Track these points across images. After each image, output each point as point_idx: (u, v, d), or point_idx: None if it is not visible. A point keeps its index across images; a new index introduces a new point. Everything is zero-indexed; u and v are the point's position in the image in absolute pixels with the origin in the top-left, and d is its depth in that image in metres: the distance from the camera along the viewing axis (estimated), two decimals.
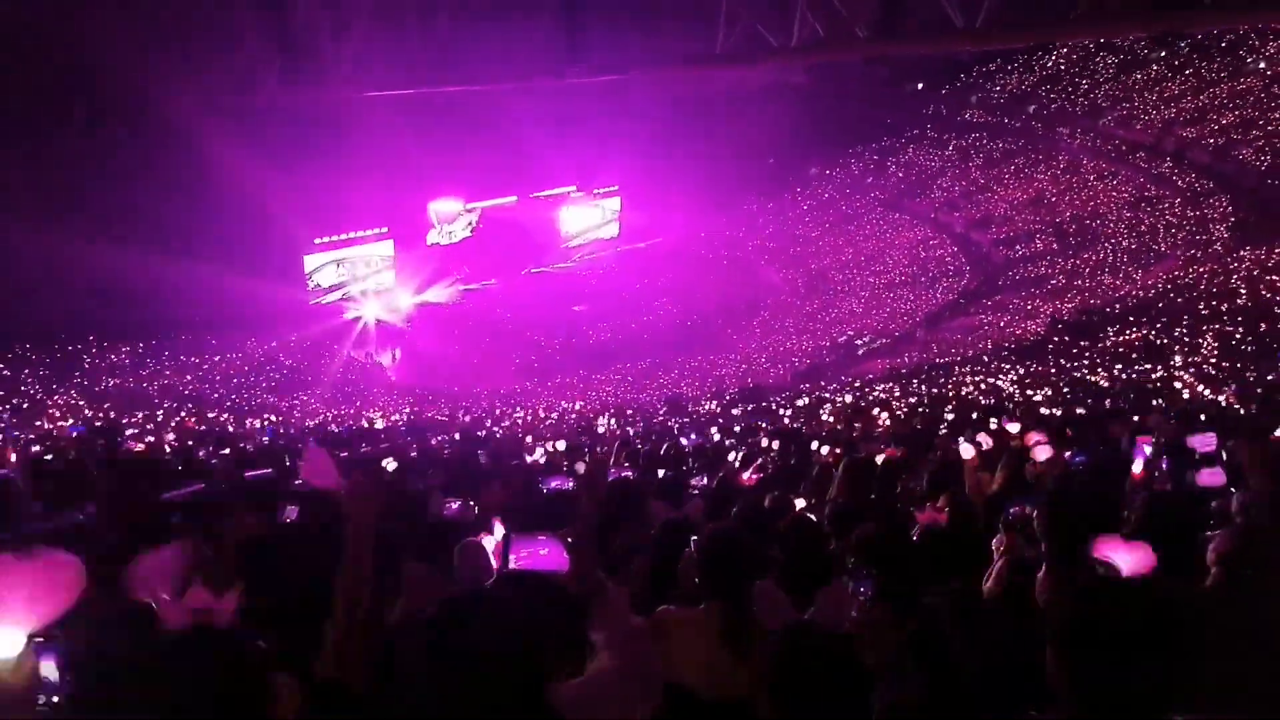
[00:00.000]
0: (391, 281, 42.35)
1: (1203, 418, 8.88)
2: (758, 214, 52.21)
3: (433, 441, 12.24)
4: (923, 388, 22.03)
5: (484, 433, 15.35)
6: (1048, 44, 45.51)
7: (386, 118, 32.38)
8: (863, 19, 18.59)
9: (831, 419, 14.73)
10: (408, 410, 27.43)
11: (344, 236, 40.08)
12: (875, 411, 14.55)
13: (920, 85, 51.64)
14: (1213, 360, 19.68)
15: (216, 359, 32.57)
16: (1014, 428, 6.38)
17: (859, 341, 35.51)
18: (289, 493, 4.98)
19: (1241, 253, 28.68)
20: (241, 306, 32.40)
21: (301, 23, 24.97)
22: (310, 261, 39.03)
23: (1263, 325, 21.47)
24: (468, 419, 22.41)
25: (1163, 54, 41.21)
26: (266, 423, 19.59)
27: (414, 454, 9.50)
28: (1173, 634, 1.65)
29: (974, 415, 11.44)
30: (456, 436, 13.42)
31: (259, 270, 32.59)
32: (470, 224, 45.87)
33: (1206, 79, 38.61)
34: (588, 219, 50.83)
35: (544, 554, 2.24)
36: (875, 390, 22.10)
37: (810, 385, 26.95)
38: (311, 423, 21.85)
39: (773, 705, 2.09)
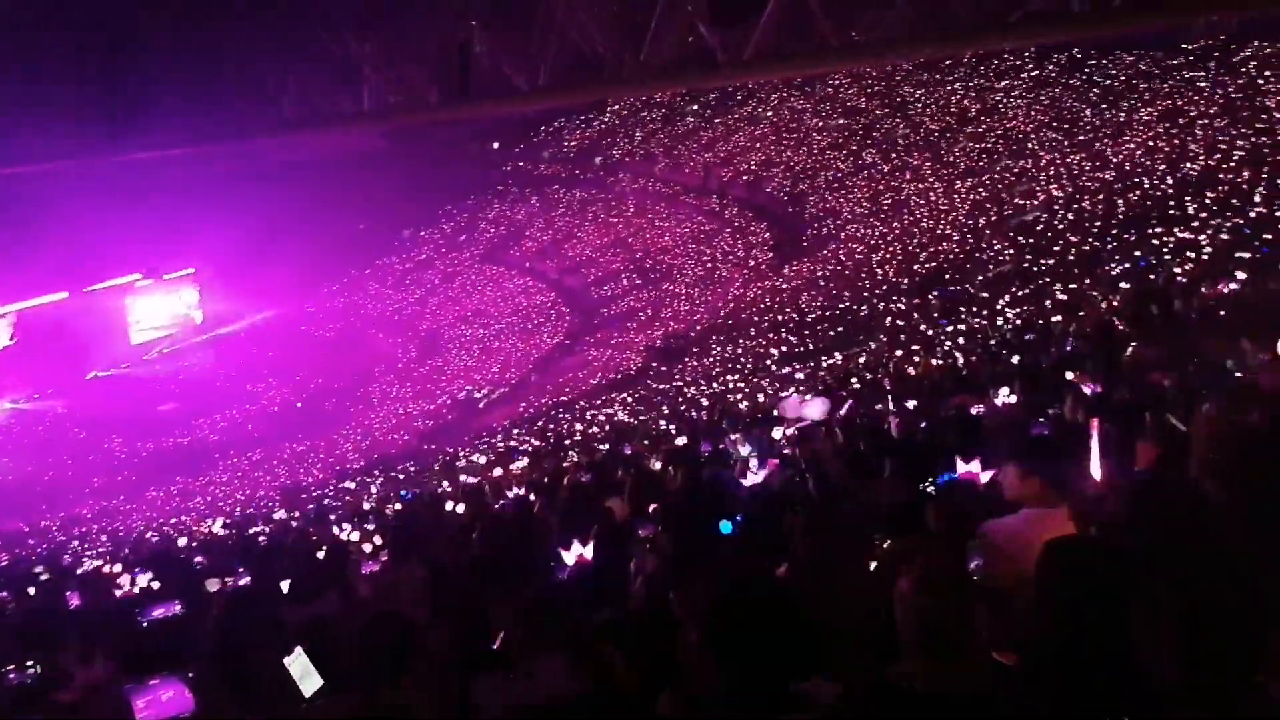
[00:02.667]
0: None
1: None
2: (356, 283, 50.76)
3: None
4: (550, 428, 22.93)
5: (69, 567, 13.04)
6: (602, 101, 50.24)
7: None
8: (431, 84, 19.01)
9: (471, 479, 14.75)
10: None
11: None
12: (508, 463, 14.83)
13: (496, 144, 53.95)
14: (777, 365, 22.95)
15: None
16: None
17: (478, 395, 35.93)
18: None
19: (785, 270, 33.89)
20: None
21: None
22: None
23: (817, 328, 25.64)
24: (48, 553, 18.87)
25: (694, 106, 47.49)
26: None
27: None
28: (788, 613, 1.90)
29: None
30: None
31: None
32: (5, 331, 38.83)
33: (731, 127, 45.16)
34: (162, 308, 45.57)
35: (167, 699, 1.97)
36: (501, 442, 22.53)
37: (437, 448, 26.71)
38: None
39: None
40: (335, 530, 10.62)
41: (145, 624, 4.40)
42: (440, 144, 51.87)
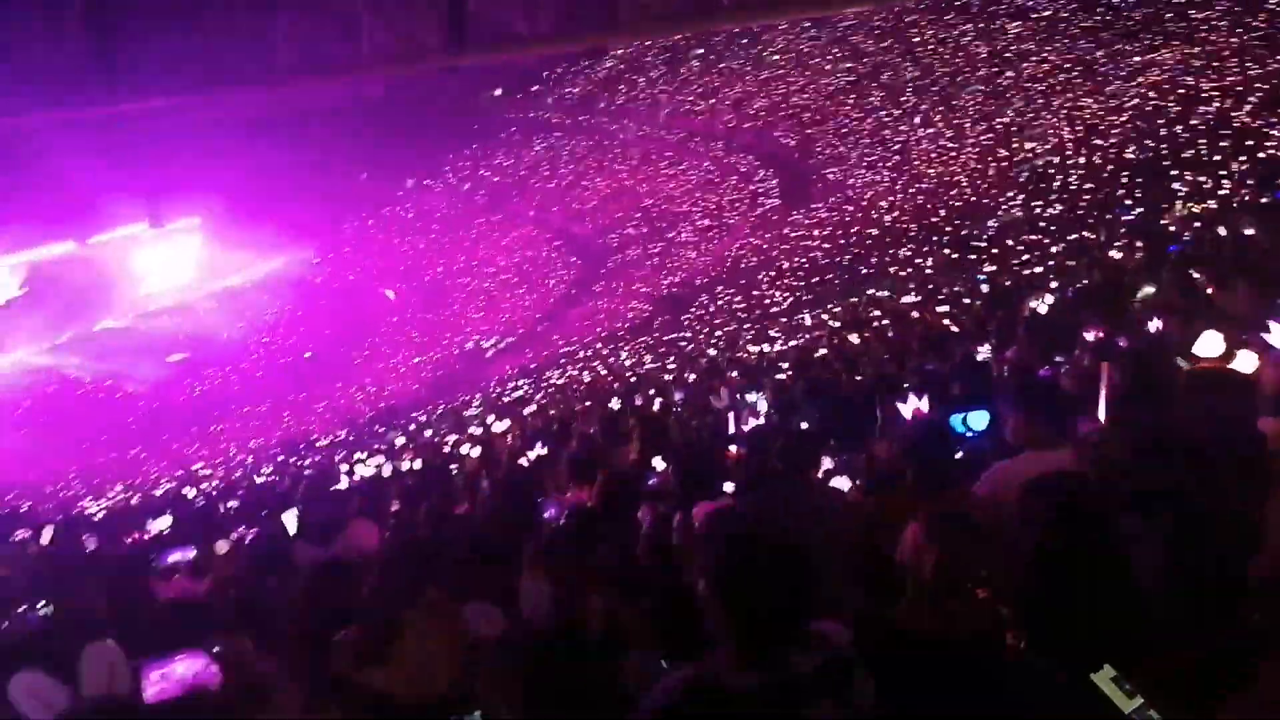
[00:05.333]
0: None
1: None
2: (360, 232, 50.58)
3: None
4: (555, 378, 23.01)
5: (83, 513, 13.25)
6: (605, 46, 49.40)
7: None
8: (431, 31, 18.73)
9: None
10: None
11: None
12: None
13: (499, 91, 53.23)
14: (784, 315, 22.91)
15: None
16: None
17: (485, 345, 35.99)
18: None
19: (790, 217, 33.61)
20: None
21: None
22: None
23: (820, 277, 25.51)
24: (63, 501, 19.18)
25: (701, 50, 46.68)
26: None
27: None
28: (800, 557, 1.94)
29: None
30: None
31: None
32: (14, 282, 38.84)
33: (738, 71, 44.41)
34: (167, 259, 45.48)
35: (183, 672, 1.94)
36: (509, 393, 22.64)
37: (449, 398, 26.85)
38: None
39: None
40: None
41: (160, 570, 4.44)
42: (442, 92, 51.20)
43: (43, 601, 4.24)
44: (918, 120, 34.28)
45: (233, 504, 9.79)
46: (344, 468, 12.37)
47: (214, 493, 12.60)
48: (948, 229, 24.27)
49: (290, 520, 6.24)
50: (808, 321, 19.69)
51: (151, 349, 40.83)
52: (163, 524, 8.80)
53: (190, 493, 14.91)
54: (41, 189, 35.98)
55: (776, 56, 43.07)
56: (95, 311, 42.06)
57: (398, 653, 1.81)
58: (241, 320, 44.52)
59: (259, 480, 13.97)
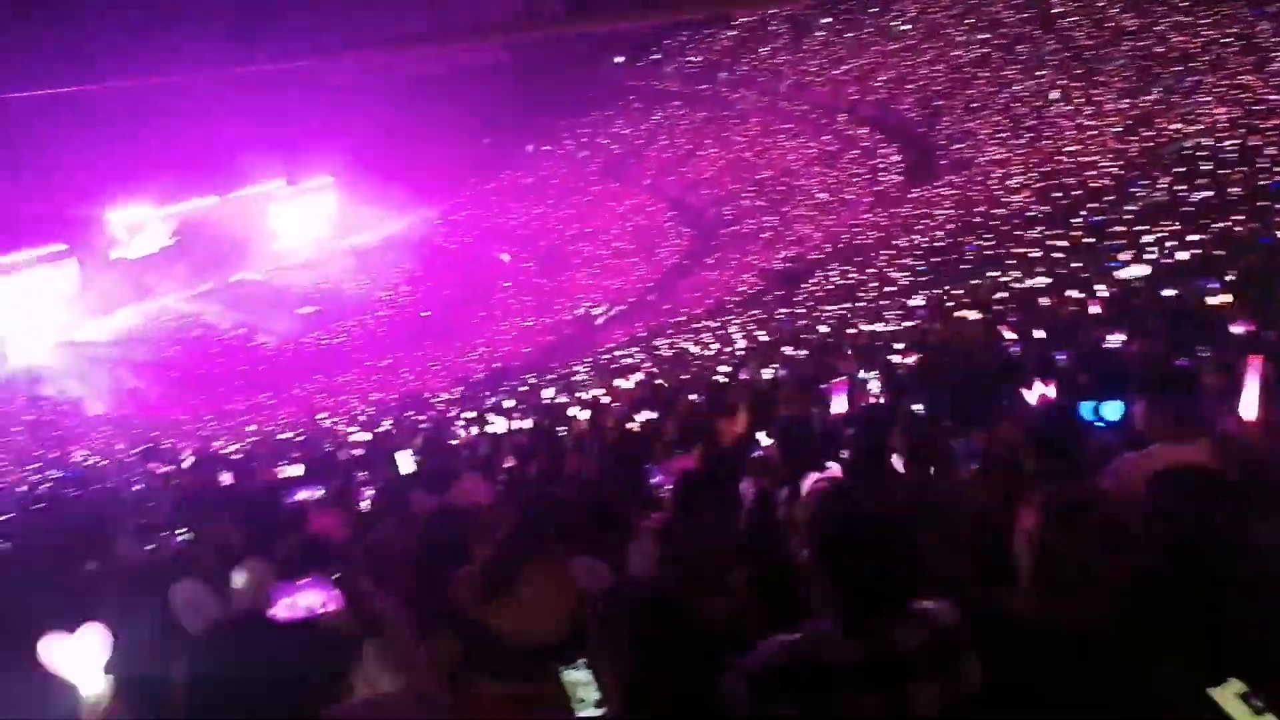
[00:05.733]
0: (78, 306, 37.55)
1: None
2: (480, 196, 51.77)
3: (158, 473, 11.11)
4: (663, 347, 23.12)
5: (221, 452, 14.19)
6: (727, 16, 48.80)
7: (42, 122, 28.49)
8: None
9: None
10: (122, 445, 24.58)
11: (9, 260, 34.96)
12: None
13: (620, 59, 53.35)
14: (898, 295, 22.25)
15: None
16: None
17: (596, 312, 36.43)
18: None
19: (911, 194, 32.57)
20: None
21: None
22: None
23: (948, 256, 24.65)
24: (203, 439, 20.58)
25: (826, 20, 45.49)
26: None
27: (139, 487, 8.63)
28: (905, 534, 1.92)
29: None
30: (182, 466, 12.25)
31: None
32: (165, 231, 41.58)
33: (865, 41, 43.12)
34: (301, 215, 47.80)
35: (309, 599, 2.11)
36: (620, 359, 22.88)
37: (559, 362, 27.35)
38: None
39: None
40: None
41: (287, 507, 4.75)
42: (563, 59, 51.69)
43: (184, 529, 4.58)
44: (1055, 95, 32.54)
45: (355, 453, 10.29)
46: (459, 424, 12.82)
47: (338, 441, 13.26)
48: (1082, 211, 23.04)
49: (407, 466, 6.53)
50: (924, 302, 19.11)
51: (284, 301, 43.03)
52: (292, 468, 9.32)
53: (316, 439, 15.71)
54: (190, 146, 38.43)
55: (907, 26, 41.58)
56: (234, 263, 44.60)
57: (515, 596, 1.90)
58: (366, 277, 46.35)
59: (379, 432, 14.61)
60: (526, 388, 20.23)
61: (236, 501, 5.85)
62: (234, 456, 13.48)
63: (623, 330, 31.71)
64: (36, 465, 22.73)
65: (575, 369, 22.33)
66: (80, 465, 19.27)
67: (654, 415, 7.75)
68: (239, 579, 2.92)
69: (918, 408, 5.66)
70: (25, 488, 15.86)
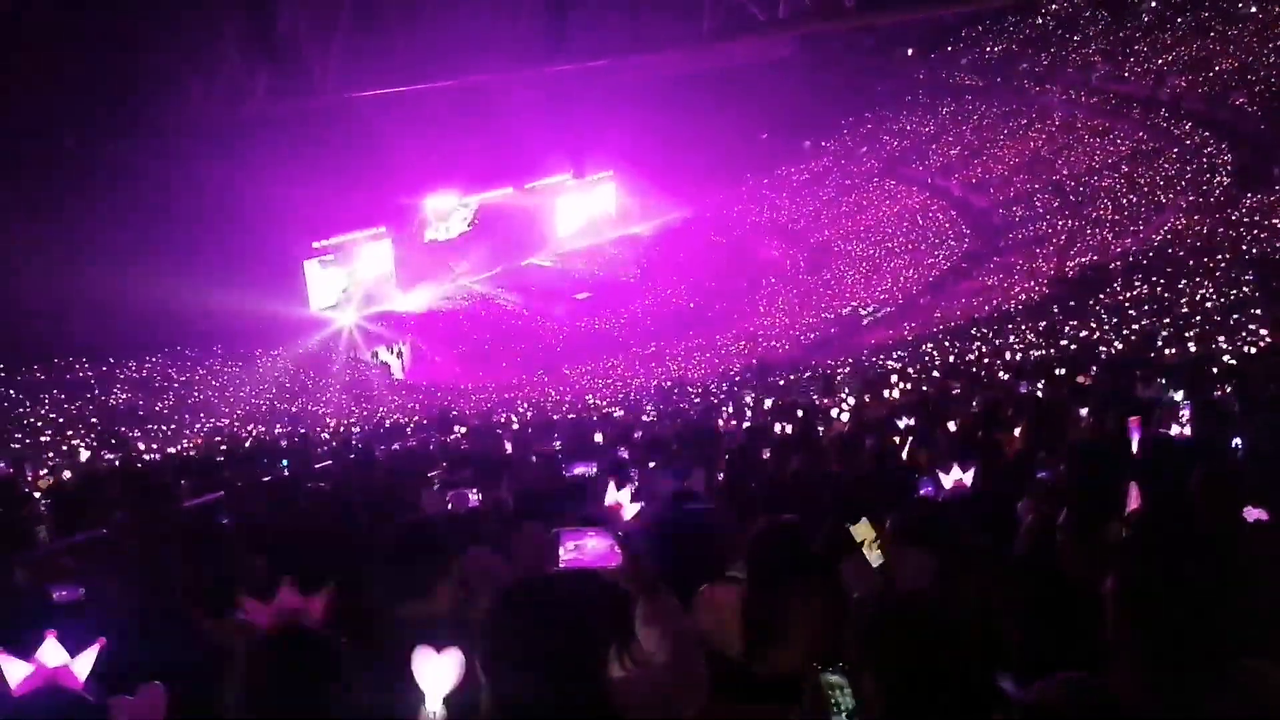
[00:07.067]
0: (392, 282, 42.43)
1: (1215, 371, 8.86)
2: (754, 191, 52.00)
3: (452, 435, 12.27)
4: (934, 354, 22.01)
5: (502, 422, 15.39)
6: (1034, 2, 45.25)
7: (377, 117, 32.32)
8: None
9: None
10: (414, 407, 27.47)
11: (340, 240, 40.12)
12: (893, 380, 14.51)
13: (910, 51, 51.28)
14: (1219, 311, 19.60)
15: (223, 371, 32.63)
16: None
17: (863, 312, 35.41)
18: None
19: (1244, 201, 28.51)
20: (244, 318, 32.36)
21: (285, 31, 24.97)
22: (310, 268, 39.09)
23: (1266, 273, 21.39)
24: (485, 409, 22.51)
25: (1153, 3, 40.86)
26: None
27: (433, 447, 9.53)
28: (1228, 579, 1.65)
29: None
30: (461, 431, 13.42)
31: (260, 280, 32.62)
32: (467, 218, 45.81)
33: (1198, 26, 38.25)
34: (584, 206, 50.71)
35: (593, 547, 2.17)
36: (885, 361, 22.09)
37: (819, 360, 26.93)
38: (331, 425, 21.97)
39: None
40: None
41: (568, 476, 5.03)
42: (847, 52, 50.54)
43: (475, 490, 4.98)
44: None
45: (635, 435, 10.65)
46: (721, 415, 12.98)
47: (605, 422, 13.89)
48: None
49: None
50: (1248, 324, 16.67)
51: (564, 287, 45.90)
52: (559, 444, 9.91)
53: (583, 419, 16.57)
54: (491, 141, 41.96)
55: (1254, 9, 36.34)
56: (524, 249, 48.22)
57: (782, 640, 1.87)
58: (638, 267, 48.22)
59: (644, 419, 15.15)
60: (784, 384, 20.06)
61: (513, 471, 6.29)
62: (513, 427, 14.55)
63: (889, 332, 30.56)
64: (352, 420, 25.97)
65: (836, 368, 21.82)
66: (384, 422, 21.70)
67: (919, 424, 7.39)
68: (519, 542, 3.11)
69: (1237, 443, 4.94)
70: (338, 442, 18.03)
